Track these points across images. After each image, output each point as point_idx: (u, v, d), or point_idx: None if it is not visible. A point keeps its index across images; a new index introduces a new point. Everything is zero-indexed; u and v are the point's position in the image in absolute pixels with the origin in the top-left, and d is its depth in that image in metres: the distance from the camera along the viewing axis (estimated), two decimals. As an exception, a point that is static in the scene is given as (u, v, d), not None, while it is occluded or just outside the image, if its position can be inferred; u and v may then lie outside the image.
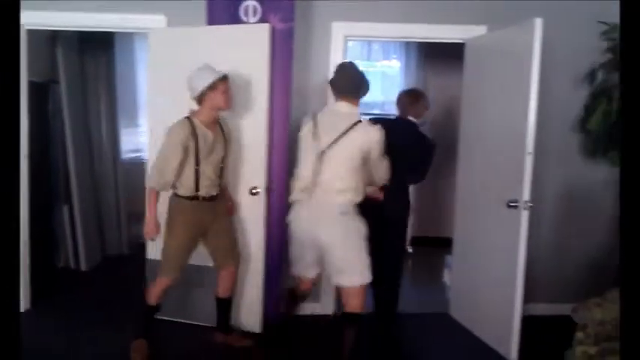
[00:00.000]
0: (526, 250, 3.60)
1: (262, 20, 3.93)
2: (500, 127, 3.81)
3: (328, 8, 4.21)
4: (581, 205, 4.48)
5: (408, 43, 6.61)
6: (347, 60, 3.60)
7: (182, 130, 3.41)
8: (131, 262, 5.57)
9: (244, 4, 3.98)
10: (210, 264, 3.84)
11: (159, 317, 4.17)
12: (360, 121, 3.31)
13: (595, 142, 4.25)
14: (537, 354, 3.79)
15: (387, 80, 7.10)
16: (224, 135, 3.64)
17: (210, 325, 3.95)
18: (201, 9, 4.04)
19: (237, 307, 4.04)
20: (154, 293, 3.63)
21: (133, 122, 6.42)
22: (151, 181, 3.49)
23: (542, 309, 4.46)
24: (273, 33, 3.84)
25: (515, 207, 3.58)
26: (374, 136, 3.27)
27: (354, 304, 3.31)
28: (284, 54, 3.95)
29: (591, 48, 4.25)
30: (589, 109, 4.27)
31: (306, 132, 3.38)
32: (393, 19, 4.23)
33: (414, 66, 6.69)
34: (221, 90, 3.47)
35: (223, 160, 3.64)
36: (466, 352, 3.90)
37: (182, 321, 4.15)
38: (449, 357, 3.85)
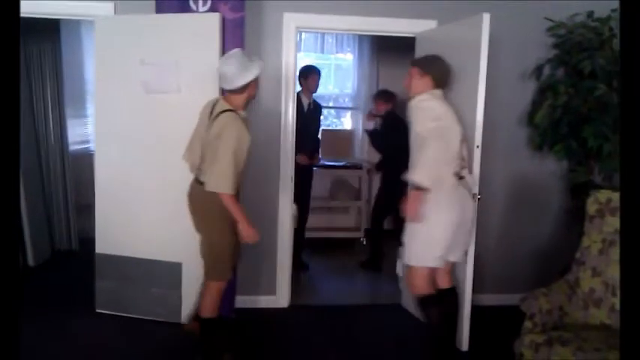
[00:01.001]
0: (475, 241, 3.67)
1: (212, 9, 3.86)
2: (451, 121, 3.85)
3: (280, -1, 4.18)
4: (528, 198, 4.59)
5: (361, 37, 6.64)
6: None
7: (246, 128, 3.15)
8: (82, 257, 5.47)
9: (194, -7, 3.91)
10: (153, 257, 3.90)
11: (103, 312, 4.12)
12: None
13: (541, 135, 4.34)
14: (487, 343, 3.87)
15: (340, 73, 7.12)
16: None
17: (150, 318, 3.95)
18: (151, -3, 3.96)
19: (192, 300, 3.96)
20: (215, 304, 3.34)
21: (81, 112, 6.24)
22: (229, 187, 3.04)
23: (491, 299, 4.55)
24: (224, 23, 3.80)
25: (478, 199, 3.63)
26: None
27: (450, 280, 3.58)
28: (235, 45, 3.88)
29: (538, 44, 4.34)
30: (536, 104, 4.36)
31: (446, 116, 3.31)
32: (345, 11, 4.23)
33: (367, 59, 6.74)
34: (257, 80, 3.24)
35: None
36: (417, 342, 3.94)
37: (122, 315, 4.10)
38: (400, 347, 3.89)
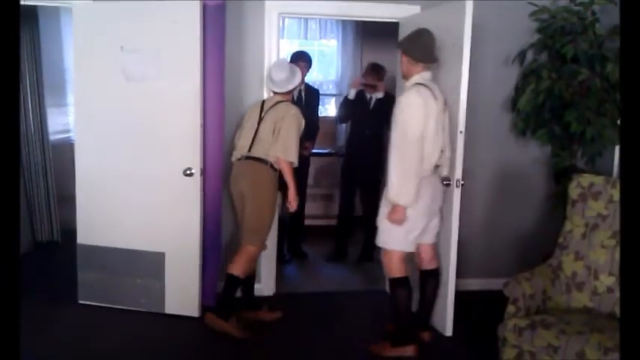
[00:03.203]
0: (458, 226, 3.67)
1: (193, -4, 3.81)
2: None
3: (261, -16, 4.12)
4: (512, 183, 4.60)
5: (344, 23, 6.60)
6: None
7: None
8: (64, 249, 5.42)
9: (174, -22, 3.85)
10: (135, 247, 3.93)
11: (85, 303, 4.08)
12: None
13: (525, 121, 4.35)
14: (471, 328, 3.89)
15: (324, 59, 7.08)
16: None
17: (133, 308, 3.94)
18: (129, -17, 3.88)
19: (175, 290, 3.97)
20: (246, 265, 3.75)
21: (62, 101, 6.13)
22: (293, 156, 3.68)
23: (474, 284, 4.58)
24: (204, 9, 3.74)
25: (448, 185, 3.64)
26: None
27: (435, 261, 3.75)
28: (216, 32, 3.84)
29: (522, 28, 4.32)
30: (519, 89, 4.36)
31: (438, 109, 3.36)
32: (327, -4, 4.19)
33: (351, 45, 6.70)
34: None
35: None
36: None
37: (105, 305, 4.07)
38: (384, 331, 3.90)
